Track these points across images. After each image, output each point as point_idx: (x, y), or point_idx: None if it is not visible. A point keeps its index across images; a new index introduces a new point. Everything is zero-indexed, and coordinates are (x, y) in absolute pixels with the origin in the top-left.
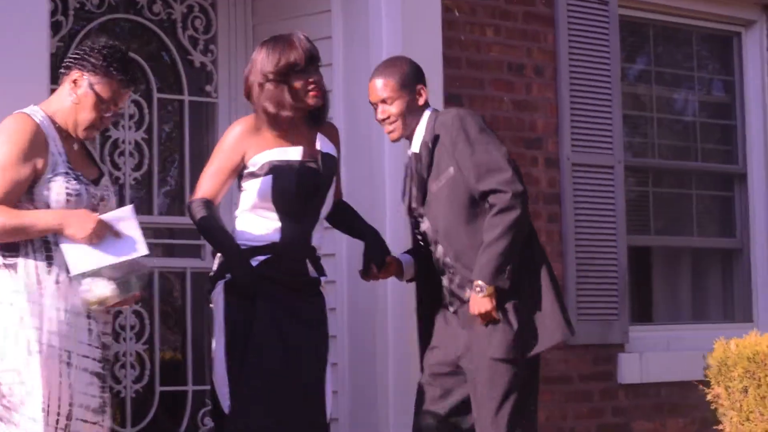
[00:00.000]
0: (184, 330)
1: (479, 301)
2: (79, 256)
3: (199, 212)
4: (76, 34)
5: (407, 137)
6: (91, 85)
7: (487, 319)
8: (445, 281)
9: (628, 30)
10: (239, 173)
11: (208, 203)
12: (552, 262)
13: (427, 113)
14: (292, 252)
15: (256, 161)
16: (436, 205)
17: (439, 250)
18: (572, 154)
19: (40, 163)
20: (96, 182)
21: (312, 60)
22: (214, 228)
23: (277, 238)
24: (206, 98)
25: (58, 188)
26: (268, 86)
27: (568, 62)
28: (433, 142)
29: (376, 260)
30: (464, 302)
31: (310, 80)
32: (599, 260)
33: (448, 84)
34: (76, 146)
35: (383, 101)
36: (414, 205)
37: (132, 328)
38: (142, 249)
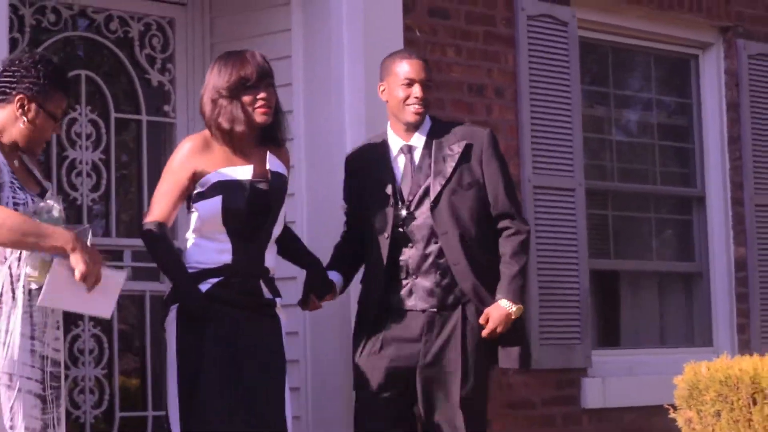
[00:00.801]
0: (143, 354)
1: (505, 318)
2: (58, 287)
3: (149, 236)
4: None
5: (411, 128)
6: (41, 107)
7: (494, 333)
8: (425, 281)
9: (586, 52)
10: (189, 193)
11: (160, 225)
12: None
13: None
14: (245, 273)
15: (205, 181)
16: (452, 209)
17: (430, 249)
18: (533, 176)
19: None
20: (41, 196)
21: (263, 76)
22: (162, 251)
23: (228, 259)
24: (164, 118)
25: (5, 198)
26: (222, 102)
27: (528, 83)
28: (465, 149)
29: (317, 291)
30: (446, 306)
31: (259, 96)
32: (561, 284)
33: None
34: (17, 162)
35: (428, 81)
36: (410, 198)
37: (91, 352)
38: (106, 313)
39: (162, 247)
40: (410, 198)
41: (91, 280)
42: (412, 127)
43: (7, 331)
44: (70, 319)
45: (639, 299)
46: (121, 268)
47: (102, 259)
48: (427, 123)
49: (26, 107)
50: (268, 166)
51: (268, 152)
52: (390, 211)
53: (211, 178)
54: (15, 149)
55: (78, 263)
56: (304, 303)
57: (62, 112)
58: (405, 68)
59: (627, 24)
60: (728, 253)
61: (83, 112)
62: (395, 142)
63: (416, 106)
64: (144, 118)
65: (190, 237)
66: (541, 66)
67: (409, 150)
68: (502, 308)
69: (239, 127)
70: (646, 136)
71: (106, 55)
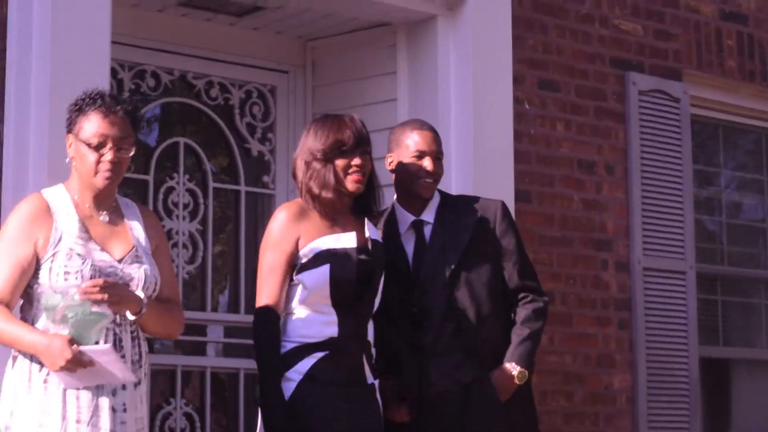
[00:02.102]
0: None
1: (506, 381)
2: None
3: (260, 328)
4: None
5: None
6: (75, 137)
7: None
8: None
9: (696, 129)
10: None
11: (271, 314)
12: (621, 373)
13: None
14: (350, 347)
15: (308, 250)
16: (468, 286)
17: (447, 328)
18: (643, 257)
19: (41, 240)
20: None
21: (360, 142)
22: (266, 349)
23: (335, 332)
24: (263, 189)
25: (56, 268)
26: (315, 165)
27: (639, 161)
28: (478, 223)
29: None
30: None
31: (354, 162)
32: (670, 370)
33: (518, 179)
34: (105, 218)
35: (438, 153)
36: (422, 276)
37: (182, 431)
38: (128, 377)
39: (267, 342)
40: (423, 277)
41: (70, 370)
42: (423, 203)
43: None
44: (162, 396)
45: (746, 388)
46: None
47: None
48: (437, 197)
49: (70, 145)
50: (367, 234)
51: (366, 219)
52: (402, 292)
53: (316, 246)
54: (100, 197)
55: (49, 367)
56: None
57: (99, 135)
58: (415, 139)
59: (738, 102)
60: None
61: (181, 181)
62: (404, 218)
63: (428, 180)
64: (243, 188)
65: (294, 309)
66: (653, 143)
67: (419, 226)
68: (504, 371)
69: (327, 194)
70: (756, 218)
71: (206, 122)
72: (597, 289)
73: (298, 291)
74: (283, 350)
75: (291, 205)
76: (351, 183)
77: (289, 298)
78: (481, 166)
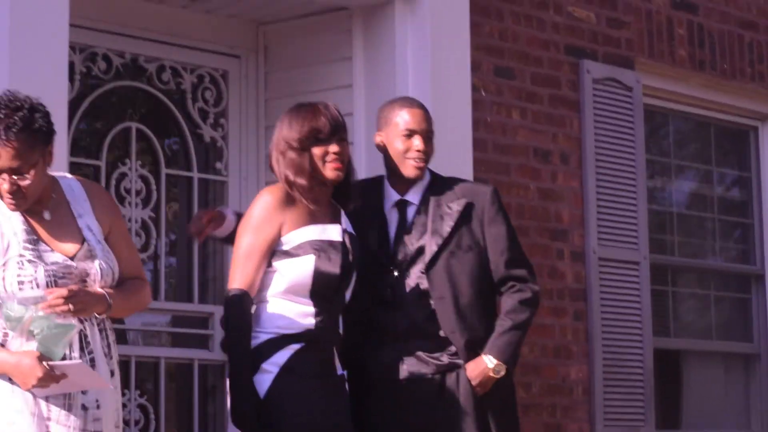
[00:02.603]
0: (190, 428)
1: (482, 374)
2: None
3: (233, 316)
4: (82, 100)
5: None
6: None
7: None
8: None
9: (648, 119)
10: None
11: (244, 297)
12: (578, 364)
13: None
14: (325, 339)
15: (291, 238)
16: (449, 273)
17: (421, 315)
18: (599, 248)
19: None
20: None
21: (336, 129)
22: (237, 335)
23: (311, 324)
24: (216, 176)
25: (9, 277)
26: (290, 154)
27: (594, 150)
28: (465, 208)
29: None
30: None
31: (331, 149)
32: (626, 362)
33: (475, 168)
34: (47, 215)
35: (429, 132)
36: (400, 257)
37: (136, 423)
38: (101, 385)
39: (239, 330)
40: (401, 259)
41: (42, 387)
42: (410, 182)
43: None
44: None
45: (696, 380)
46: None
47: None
48: (426, 177)
49: None
50: (343, 226)
51: (341, 212)
52: (378, 271)
53: (299, 236)
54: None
55: (21, 386)
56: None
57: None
58: (405, 118)
59: (689, 92)
60: None
61: (133, 167)
62: (389, 195)
63: (417, 161)
64: (195, 175)
65: (270, 299)
66: (607, 132)
67: (403, 206)
68: (481, 363)
69: (302, 180)
70: (705, 209)
71: (157, 107)
72: (553, 279)
73: (274, 279)
74: (256, 341)
75: (275, 189)
76: (330, 171)
77: (263, 286)
78: (440, 154)
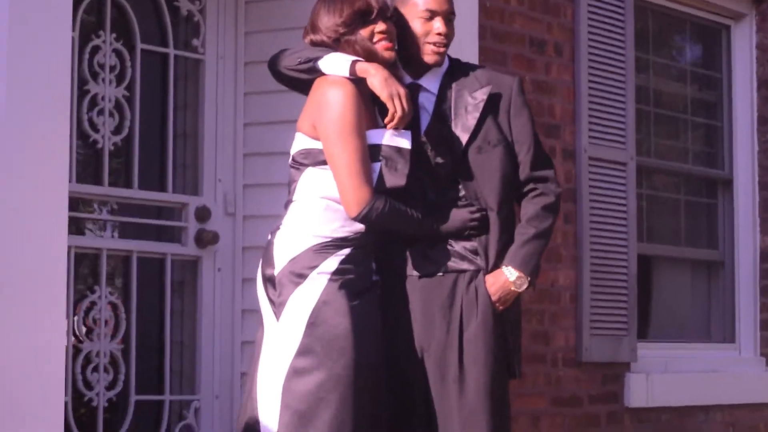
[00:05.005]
0: (161, 328)
1: (503, 287)
2: None
3: (394, 211)
4: None
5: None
6: None
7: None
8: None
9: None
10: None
11: (385, 198)
12: (566, 269)
13: None
14: (370, 243)
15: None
16: (479, 169)
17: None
18: (589, 146)
19: None
20: None
21: (381, 6)
22: (411, 216)
23: (362, 227)
24: (193, 53)
25: None
26: (349, 39)
27: (587, 43)
28: (492, 98)
29: None
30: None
31: (378, 29)
32: (611, 268)
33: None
34: None
35: (451, 14)
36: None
37: (106, 323)
38: None
39: (407, 219)
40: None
41: None
42: (426, 66)
43: None
44: (86, 285)
45: (665, 288)
46: None
47: None
48: (444, 63)
49: None
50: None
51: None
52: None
53: (371, 136)
54: None
55: None
56: None
57: None
58: None
59: None
60: (754, 241)
61: (108, 40)
62: (400, 78)
63: (438, 45)
64: (171, 51)
65: (314, 200)
66: (599, 24)
67: (415, 91)
68: (501, 276)
69: (388, 52)
70: (678, 109)
71: None
72: None
73: (328, 178)
74: (301, 245)
75: (343, 80)
76: (383, 50)
77: (314, 184)
78: None
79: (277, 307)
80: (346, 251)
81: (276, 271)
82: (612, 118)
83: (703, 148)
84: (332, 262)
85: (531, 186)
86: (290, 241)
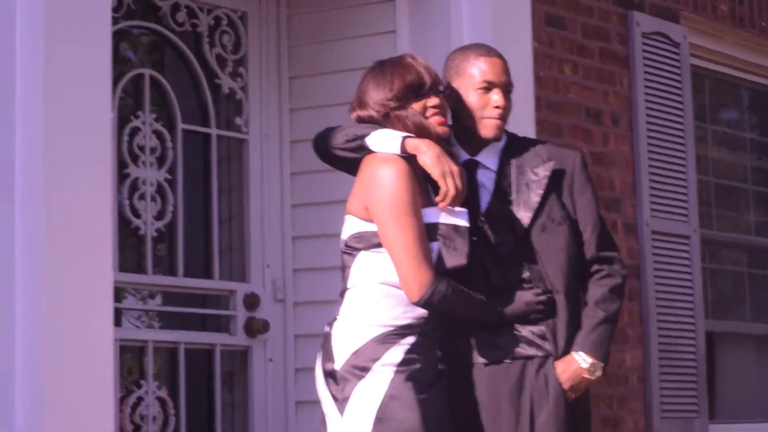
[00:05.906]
0: (211, 423)
1: (575, 375)
2: None
3: (447, 291)
4: None
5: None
6: None
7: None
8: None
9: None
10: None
11: (447, 281)
12: (633, 349)
13: None
14: (435, 328)
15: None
16: (544, 249)
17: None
18: (651, 220)
19: None
20: None
21: (432, 80)
22: (471, 299)
23: (425, 312)
24: (236, 133)
25: None
26: (399, 114)
27: (645, 111)
28: (555, 174)
29: None
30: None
31: (430, 103)
32: (679, 347)
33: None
34: None
35: (509, 86)
36: (492, 228)
37: (154, 419)
38: None
39: (467, 296)
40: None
41: None
42: (483, 142)
43: None
44: (132, 379)
45: (732, 365)
46: None
47: None
48: (503, 139)
49: None
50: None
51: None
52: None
53: (427, 215)
54: None
55: None
56: None
57: None
58: (482, 68)
59: (727, 51)
60: None
61: (147, 121)
62: (457, 155)
63: (497, 119)
64: (214, 131)
65: (372, 286)
66: (656, 92)
67: (472, 168)
68: (573, 362)
69: (441, 127)
70: (738, 179)
71: (172, 52)
72: None
73: (379, 264)
74: (367, 337)
75: (395, 157)
76: (436, 126)
77: (368, 269)
78: None
79: (341, 402)
80: (411, 340)
81: (337, 366)
82: (674, 190)
83: (764, 218)
84: (397, 353)
85: (596, 267)
86: (350, 332)
